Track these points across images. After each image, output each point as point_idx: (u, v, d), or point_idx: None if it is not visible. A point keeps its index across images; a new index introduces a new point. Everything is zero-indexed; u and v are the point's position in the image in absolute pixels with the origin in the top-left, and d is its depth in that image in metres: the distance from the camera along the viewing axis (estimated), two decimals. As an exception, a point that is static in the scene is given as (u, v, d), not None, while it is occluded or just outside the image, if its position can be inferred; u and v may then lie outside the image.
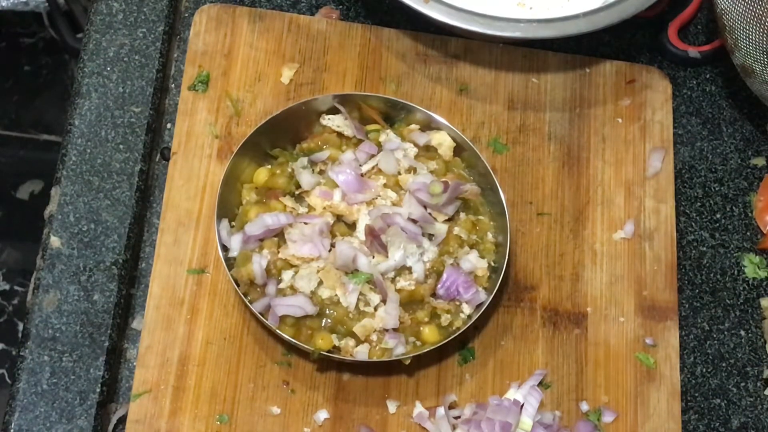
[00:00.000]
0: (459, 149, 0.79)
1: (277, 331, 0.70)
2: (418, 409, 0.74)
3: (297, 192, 0.75)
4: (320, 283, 0.71)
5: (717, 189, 0.87)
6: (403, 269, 0.72)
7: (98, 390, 0.71)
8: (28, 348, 0.71)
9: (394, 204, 0.74)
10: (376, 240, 0.71)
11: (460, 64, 0.85)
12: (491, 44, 0.86)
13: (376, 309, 0.71)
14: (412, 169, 0.76)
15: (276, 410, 0.72)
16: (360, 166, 0.76)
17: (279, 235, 0.73)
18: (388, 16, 0.87)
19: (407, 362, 0.73)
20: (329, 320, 0.71)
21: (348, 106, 0.78)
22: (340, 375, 0.74)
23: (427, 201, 0.74)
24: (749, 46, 0.79)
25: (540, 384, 0.75)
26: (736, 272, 0.84)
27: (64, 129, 0.78)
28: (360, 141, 0.77)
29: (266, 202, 0.74)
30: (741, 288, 0.84)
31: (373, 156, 0.76)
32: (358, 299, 0.71)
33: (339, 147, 0.77)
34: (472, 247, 0.75)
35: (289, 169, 0.75)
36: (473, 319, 0.73)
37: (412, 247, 0.72)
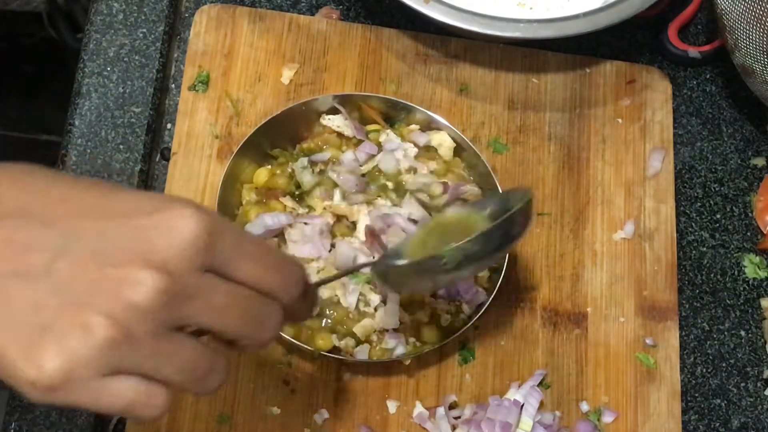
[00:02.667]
0: (459, 149, 0.79)
1: (277, 331, 0.70)
2: (418, 409, 0.74)
3: (297, 192, 0.75)
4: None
5: (717, 189, 0.87)
6: (403, 269, 0.72)
7: (98, 390, 0.71)
8: (28, 348, 0.71)
9: (394, 204, 0.74)
10: (376, 240, 0.71)
11: (460, 64, 0.85)
12: (491, 44, 0.86)
13: (376, 309, 0.71)
14: (412, 169, 0.76)
15: (276, 410, 0.72)
16: (360, 166, 0.76)
17: (279, 235, 0.73)
18: (388, 16, 0.87)
19: (407, 362, 0.73)
20: (329, 320, 0.71)
21: (348, 106, 0.78)
22: (340, 375, 0.74)
23: (427, 201, 0.74)
24: (749, 46, 0.79)
25: (540, 384, 0.75)
26: (736, 272, 0.84)
27: (64, 129, 0.78)
28: (360, 141, 0.77)
29: (266, 202, 0.74)
30: (741, 288, 0.84)
31: (373, 156, 0.76)
32: (358, 299, 0.71)
33: (339, 147, 0.77)
34: (472, 247, 0.75)
35: (289, 169, 0.75)
36: (473, 319, 0.73)
37: (412, 247, 0.72)
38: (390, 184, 0.75)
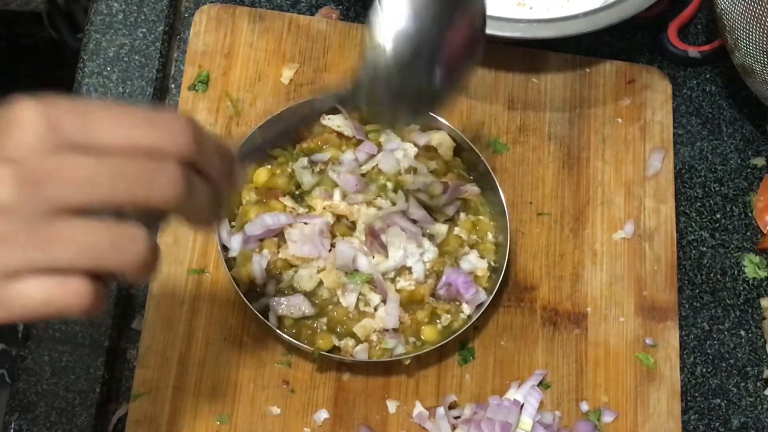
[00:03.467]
0: (459, 149, 0.78)
1: (277, 331, 0.70)
2: (418, 409, 0.74)
3: (297, 192, 0.75)
4: (320, 283, 0.71)
5: (717, 189, 0.87)
6: (403, 269, 0.72)
7: (98, 390, 0.71)
8: (28, 348, 0.71)
9: (393, 204, 0.74)
10: (376, 240, 0.71)
11: (460, 64, 0.85)
12: (491, 44, 0.86)
13: (376, 309, 0.71)
14: (412, 169, 0.76)
15: (276, 410, 0.72)
16: (360, 166, 0.76)
17: (279, 235, 0.73)
18: (388, 16, 0.87)
19: (407, 362, 0.73)
20: (329, 320, 0.71)
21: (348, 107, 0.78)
22: (340, 375, 0.74)
23: (427, 201, 0.74)
24: (749, 46, 0.79)
25: (540, 384, 0.75)
26: (736, 272, 0.84)
27: (64, 129, 0.78)
28: (360, 141, 0.77)
29: (266, 202, 0.74)
30: (741, 288, 0.84)
31: (373, 156, 0.76)
32: (358, 299, 0.71)
33: (339, 147, 0.77)
34: (472, 247, 0.75)
35: (289, 169, 0.75)
36: (473, 319, 0.73)
37: (412, 247, 0.72)
38: (390, 184, 0.75)
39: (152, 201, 0.41)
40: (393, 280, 0.72)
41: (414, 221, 0.73)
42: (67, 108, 0.41)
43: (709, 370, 0.81)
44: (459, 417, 0.74)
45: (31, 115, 0.40)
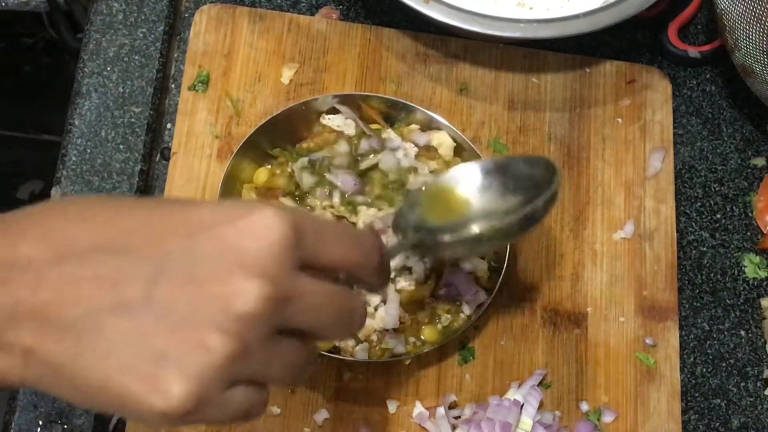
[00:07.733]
0: (459, 149, 0.79)
1: (277, 331, 0.70)
2: (418, 409, 0.74)
3: (297, 192, 0.75)
4: (320, 283, 0.71)
5: (717, 189, 0.87)
6: (403, 269, 0.72)
7: (98, 390, 0.71)
8: (28, 348, 0.71)
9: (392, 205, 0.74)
10: (376, 240, 0.71)
11: (460, 64, 0.85)
12: (491, 44, 0.86)
13: (376, 309, 0.71)
14: (412, 169, 0.76)
15: (276, 410, 0.72)
16: (359, 158, 0.75)
17: (279, 235, 0.73)
18: (388, 16, 0.87)
19: (407, 362, 0.73)
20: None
21: (348, 106, 0.78)
22: (340, 375, 0.74)
23: (427, 201, 0.74)
24: (749, 46, 0.79)
25: (540, 384, 0.75)
26: (736, 272, 0.84)
27: (64, 129, 0.78)
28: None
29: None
30: (741, 288, 0.84)
31: (375, 152, 0.76)
32: (358, 299, 0.71)
33: (339, 147, 0.77)
34: (472, 247, 0.75)
35: (289, 169, 0.75)
36: (473, 319, 0.73)
37: (412, 247, 0.72)
38: (390, 185, 0.75)
39: (345, 334, 0.47)
40: (393, 281, 0.72)
41: (414, 221, 0.73)
42: (306, 223, 0.43)
43: (709, 370, 0.81)
44: (459, 417, 0.74)
45: (278, 227, 0.41)
